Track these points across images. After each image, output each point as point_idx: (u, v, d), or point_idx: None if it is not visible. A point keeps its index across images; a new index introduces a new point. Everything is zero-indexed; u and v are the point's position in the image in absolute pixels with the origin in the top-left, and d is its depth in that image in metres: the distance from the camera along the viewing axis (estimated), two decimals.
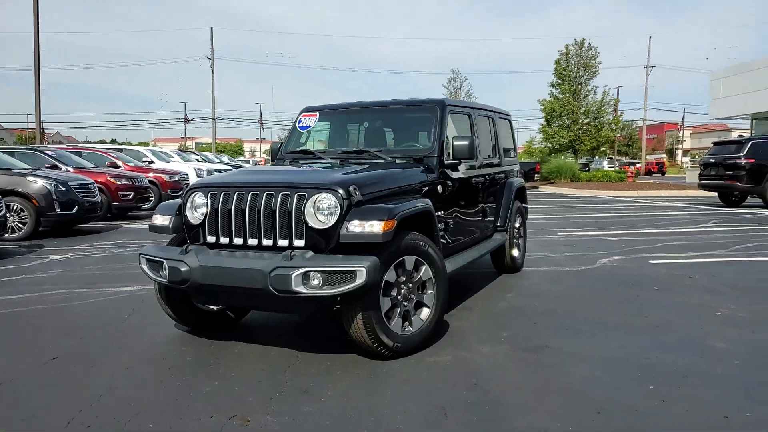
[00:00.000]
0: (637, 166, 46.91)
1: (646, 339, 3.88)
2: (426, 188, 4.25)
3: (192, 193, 3.82)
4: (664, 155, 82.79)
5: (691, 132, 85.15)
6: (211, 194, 3.71)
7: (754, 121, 37.12)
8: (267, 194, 3.53)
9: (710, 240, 8.60)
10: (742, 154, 14.08)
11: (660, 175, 49.76)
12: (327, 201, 3.39)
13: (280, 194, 3.49)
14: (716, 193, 15.91)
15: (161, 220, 3.97)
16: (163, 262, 3.64)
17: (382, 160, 4.37)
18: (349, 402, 2.95)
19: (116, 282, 5.85)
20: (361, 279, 3.17)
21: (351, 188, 3.45)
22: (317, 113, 5.17)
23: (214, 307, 4.19)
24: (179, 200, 4.08)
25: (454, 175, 4.65)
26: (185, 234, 3.86)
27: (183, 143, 64.86)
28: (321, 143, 5.26)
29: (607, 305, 4.81)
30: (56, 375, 3.37)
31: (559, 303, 4.89)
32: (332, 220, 3.38)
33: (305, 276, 3.21)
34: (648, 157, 58.56)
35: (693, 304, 4.80)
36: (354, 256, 3.30)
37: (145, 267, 3.81)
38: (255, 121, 66.98)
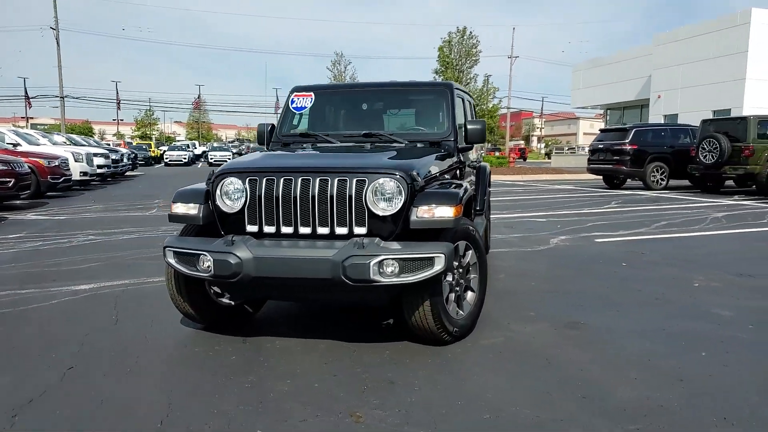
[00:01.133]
0: (502, 152, 50.09)
1: (656, 311, 4.28)
2: (451, 173, 4.29)
3: (223, 178, 3.53)
4: (522, 142, 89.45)
5: (545, 120, 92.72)
6: (251, 180, 3.46)
7: (608, 111, 41.56)
8: (321, 179, 3.36)
9: (627, 220, 9.55)
10: (626, 141, 15.71)
11: (522, 160, 53.59)
12: (391, 186, 3.32)
13: (336, 179, 3.35)
14: (601, 177, 17.62)
15: (187, 208, 3.62)
16: (202, 255, 3.34)
17: (402, 144, 4.33)
18: (446, 389, 2.96)
19: (62, 280, 5.22)
20: (439, 265, 3.16)
21: (414, 173, 3.41)
22: (312, 93, 4.97)
23: (233, 302, 3.93)
24: (203, 186, 3.75)
25: (466, 159, 4.74)
26: (218, 224, 3.57)
27: (16, 123, 57.98)
28: (318, 125, 5.06)
29: (596, 282, 5.20)
30: (85, 387, 2.98)
31: (552, 282, 5.20)
32: (397, 206, 3.31)
33: (381, 264, 3.14)
34: (509, 143, 62.96)
35: (667, 277, 5.35)
36: (429, 243, 3.28)
37: (173, 261, 3.46)
38: (110, 100, 61.55)
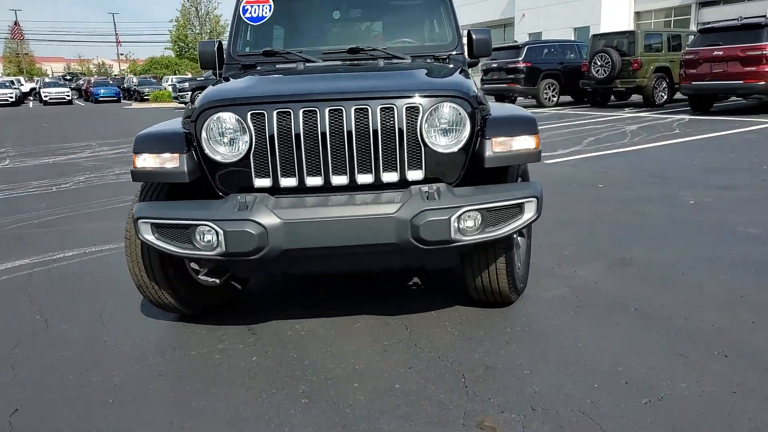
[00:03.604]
0: None
1: (689, 236, 3.99)
2: None
3: (212, 113, 2.50)
4: None
5: None
6: (255, 114, 2.47)
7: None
8: (358, 108, 2.48)
9: (553, 138, 9.44)
10: (520, 59, 15.70)
11: None
12: (454, 112, 2.52)
13: (379, 107, 2.48)
14: (493, 96, 17.66)
15: (161, 160, 2.55)
16: (203, 225, 2.36)
17: (409, 60, 3.47)
18: (564, 365, 2.36)
19: None
20: (530, 213, 2.49)
21: (472, 94, 2.62)
22: None
23: (218, 280, 2.99)
24: (176, 126, 2.69)
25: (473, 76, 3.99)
26: (210, 180, 2.57)
27: None
28: (281, 41, 3.97)
29: (597, 207, 4.85)
30: (105, 393, 2.00)
31: (554, 211, 4.76)
32: (462, 139, 2.53)
33: (461, 218, 2.39)
34: None
35: (656, 195, 5.14)
36: (512, 185, 2.59)
37: (152, 237, 2.44)
38: None
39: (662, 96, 14.29)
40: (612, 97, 16.17)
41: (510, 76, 15.90)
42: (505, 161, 2.58)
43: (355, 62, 3.43)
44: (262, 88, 2.66)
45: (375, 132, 2.48)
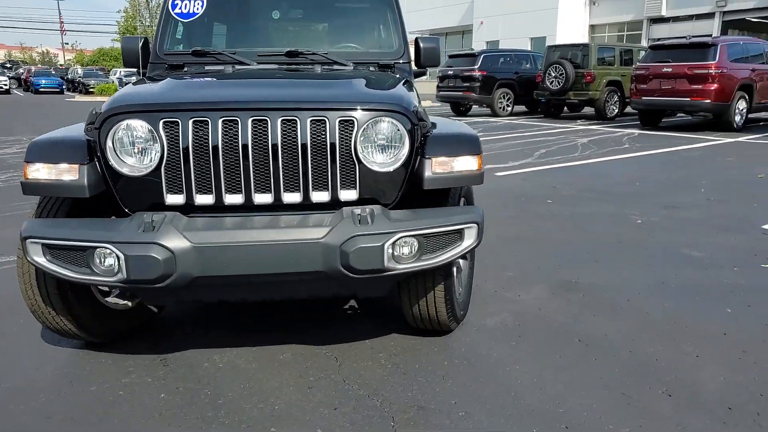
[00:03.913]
0: None
1: (634, 259, 3.92)
2: None
3: (119, 121, 2.23)
4: None
5: None
6: (168, 123, 2.22)
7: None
8: (285, 120, 2.25)
9: (505, 149, 9.41)
10: (476, 67, 15.72)
11: None
12: (392, 128, 2.32)
13: (309, 119, 2.26)
14: (449, 104, 17.65)
15: (57, 172, 2.25)
16: (101, 248, 2.09)
17: (350, 68, 3.26)
18: (502, 408, 2.19)
19: None
20: (470, 239, 2.32)
21: (413, 109, 2.43)
22: None
23: (129, 303, 2.71)
24: (78, 133, 2.40)
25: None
26: (115, 195, 2.29)
27: None
28: (213, 39, 3.70)
29: (544, 224, 4.75)
30: None
31: (501, 226, 4.64)
32: (401, 157, 2.34)
33: (396, 245, 2.20)
34: None
35: (604, 213, 5.09)
36: (452, 209, 2.41)
37: (43, 260, 2.15)
38: None
39: (613, 109, 14.56)
40: (565, 108, 16.41)
41: (465, 84, 15.90)
42: (446, 183, 2.40)
43: (293, 67, 3.21)
44: (178, 93, 2.40)
45: (304, 147, 2.26)
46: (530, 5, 30.37)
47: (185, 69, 3.26)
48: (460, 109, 17.34)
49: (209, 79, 2.81)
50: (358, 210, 2.23)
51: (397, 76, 3.16)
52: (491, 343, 2.72)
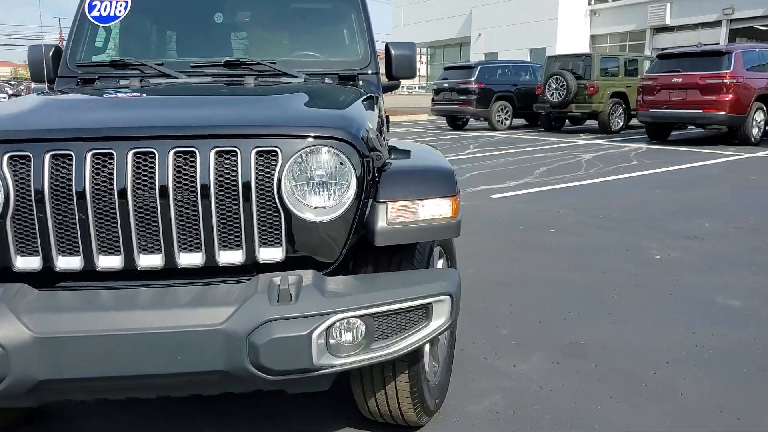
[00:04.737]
0: None
1: (658, 311, 3.26)
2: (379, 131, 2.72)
3: None
4: None
5: None
6: (15, 157, 1.60)
7: (429, 49, 42.03)
8: (178, 153, 1.63)
9: (503, 167, 8.78)
10: (472, 79, 15.16)
11: None
12: (333, 162, 1.69)
13: (214, 151, 1.64)
14: (444, 117, 17.08)
15: None
16: None
17: (300, 79, 2.64)
18: None
19: None
20: (440, 318, 1.68)
21: (363, 133, 1.80)
22: None
23: None
24: None
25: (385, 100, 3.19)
26: None
27: None
28: (140, 48, 3.08)
29: (546, 262, 4.10)
30: None
31: (493, 268, 3.99)
32: (346, 202, 1.71)
33: (331, 332, 1.56)
34: None
35: (614, 246, 4.44)
36: (419, 274, 1.77)
37: None
38: None
39: (618, 122, 13.97)
40: (567, 121, 15.83)
41: (462, 97, 15.34)
42: (406, 237, 1.76)
43: (230, 80, 2.59)
44: (38, 118, 1.77)
45: (205, 188, 1.63)
46: (529, 16, 29.99)
47: (96, 84, 2.65)
48: (456, 123, 16.75)
49: (89, 96, 2.18)
50: (278, 279, 1.59)
51: (362, 90, 2.53)
52: (452, 422, 2.06)
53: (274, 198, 1.66)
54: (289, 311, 1.51)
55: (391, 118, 22.37)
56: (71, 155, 1.61)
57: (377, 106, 2.53)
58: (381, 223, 1.72)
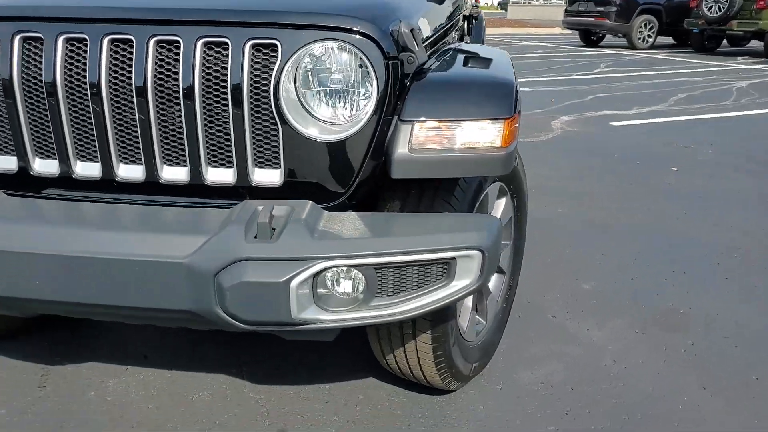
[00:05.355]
0: None
1: None
2: (451, 29, 2.26)
3: None
4: None
5: None
6: None
7: None
8: (159, 42, 1.34)
9: (633, 90, 7.77)
10: None
11: None
12: (350, 62, 1.33)
13: (201, 42, 1.32)
14: (576, 32, 15.54)
15: None
16: None
17: None
18: None
19: None
20: (466, 278, 1.31)
21: (402, 31, 1.40)
22: None
23: None
24: None
25: None
26: None
27: None
28: None
29: (656, 207, 3.50)
30: None
31: (587, 206, 3.47)
32: (362, 117, 1.35)
33: (318, 280, 1.25)
34: None
35: (755, 196, 3.70)
36: (447, 218, 1.40)
37: None
38: None
39: None
40: (724, 42, 13.79)
41: (599, 9, 13.74)
42: (432, 170, 1.36)
43: None
44: None
45: (189, 89, 1.34)
46: None
47: None
48: (590, 38, 15.18)
49: None
50: (266, 208, 1.29)
51: None
52: (516, 421, 1.73)
53: (270, 106, 1.34)
54: (264, 251, 1.22)
55: (518, 30, 20.81)
56: (41, 39, 1.37)
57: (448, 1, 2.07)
58: (401, 150, 1.34)
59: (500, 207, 1.86)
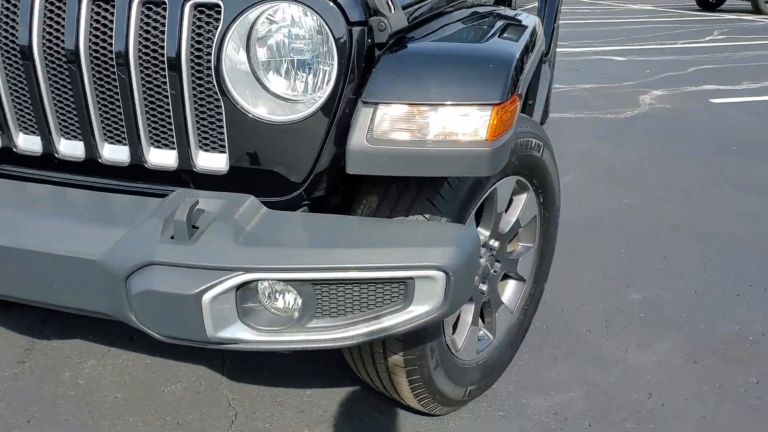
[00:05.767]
0: None
1: None
2: None
3: None
4: None
5: None
6: None
7: None
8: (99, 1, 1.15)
9: (745, 62, 6.91)
10: None
11: None
12: (306, 30, 1.09)
13: (135, 3, 1.13)
14: None
15: None
16: None
17: None
18: None
19: None
20: (426, 302, 1.06)
21: None
22: None
23: None
24: None
25: None
26: None
27: None
28: None
29: (743, 205, 3.02)
30: None
31: (663, 198, 3.04)
32: (318, 96, 1.11)
33: (240, 295, 1.04)
34: None
35: None
36: (419, 227, 1.17)
37: None
38: None
39: None
40: None
41: None
42: (395, 167, 1.11)
43: None
44: None
45: (123, 56, 1.15)
46: None
47: None
48: (709, 1, 13.76)
49: None
50: (187, 201, 1.09)
51: None
52: (496, 415, 1.47)
53: (212, 78, 1.12)
54: (177, 255, 1.02)
55: None
56: None
57: None
58: (358, 139, 1.09)
59: (519, 205, 1.57)
